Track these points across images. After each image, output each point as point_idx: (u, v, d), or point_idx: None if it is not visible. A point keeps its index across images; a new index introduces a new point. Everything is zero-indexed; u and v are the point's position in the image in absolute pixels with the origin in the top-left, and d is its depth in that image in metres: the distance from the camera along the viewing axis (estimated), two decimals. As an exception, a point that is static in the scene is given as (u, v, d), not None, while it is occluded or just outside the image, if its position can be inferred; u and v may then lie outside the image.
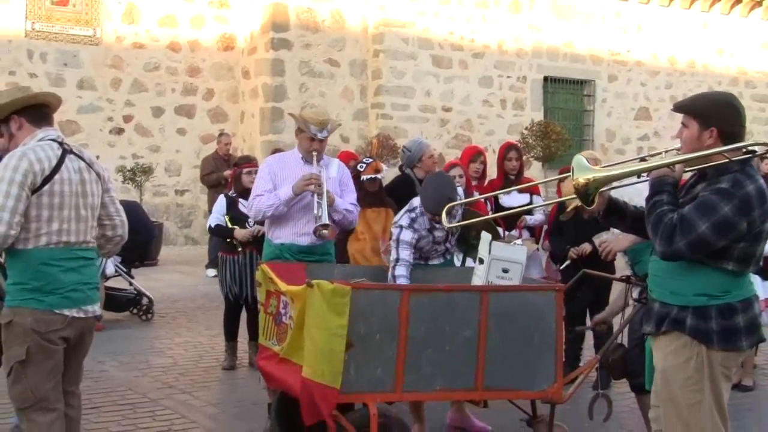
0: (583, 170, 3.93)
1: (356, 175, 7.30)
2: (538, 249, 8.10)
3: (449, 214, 5.52)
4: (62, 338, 4.34)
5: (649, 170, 4.01)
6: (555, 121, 19.31)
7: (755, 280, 7.20)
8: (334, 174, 6.41)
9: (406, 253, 5.78)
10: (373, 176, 7.31)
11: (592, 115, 21.54)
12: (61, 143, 4.44)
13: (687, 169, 4.00)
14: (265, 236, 6.62)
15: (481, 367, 4.93)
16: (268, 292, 5.36)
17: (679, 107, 4.06)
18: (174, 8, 18.16)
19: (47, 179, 4.26)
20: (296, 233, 6.30)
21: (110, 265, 9.63)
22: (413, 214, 5.91)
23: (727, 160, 3.85)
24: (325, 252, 6.36)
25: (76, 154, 4.46)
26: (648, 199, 3.94)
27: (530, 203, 7.99)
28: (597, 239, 6.22)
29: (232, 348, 8.02)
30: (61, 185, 4.31)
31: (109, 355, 8.32)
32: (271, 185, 6.31)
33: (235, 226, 7.87)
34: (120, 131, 17.80)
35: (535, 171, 18.40)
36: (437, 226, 5.91)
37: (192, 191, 18.31)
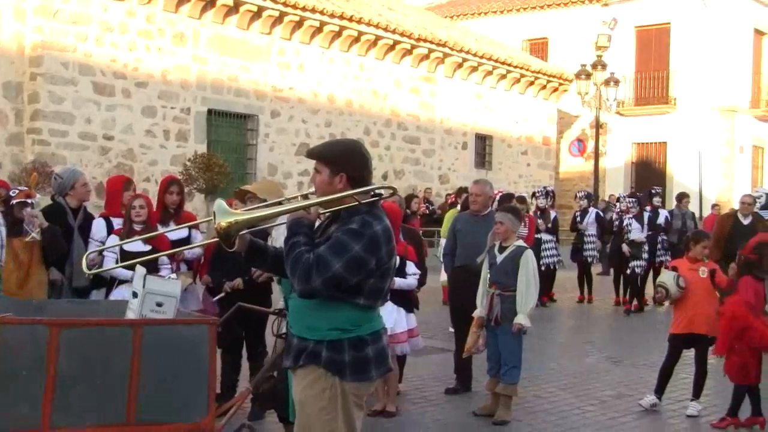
0: (224, 214, 4.07)
1: (7, 202, 7.04)
2: (194, 282, 8.16)
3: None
4: None
5: (286, 212, 4.23)
6: (218, 154, 19.51)
7: (400, 313, 7.80)
8: None
9: None
10: (23, 200, 7.02)
11: (255, 149, 21.95)
12: None
13: (322, 211, 4.25)
14: None
15: (133, 400, 4.91)
16: None
17: (311, 154, 4.29)
18: None
19: None
20: None
21: None
22: None
23: (357, 203, 4.14)
24: None
25: None
26: (286, 241, 4.13)
27: (189, 237, 8.03)
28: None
29: None
30: None
31: None
32: None
33: None
34: None
35: (198, 202, 18.46)
36: None
37: None
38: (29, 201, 7.04)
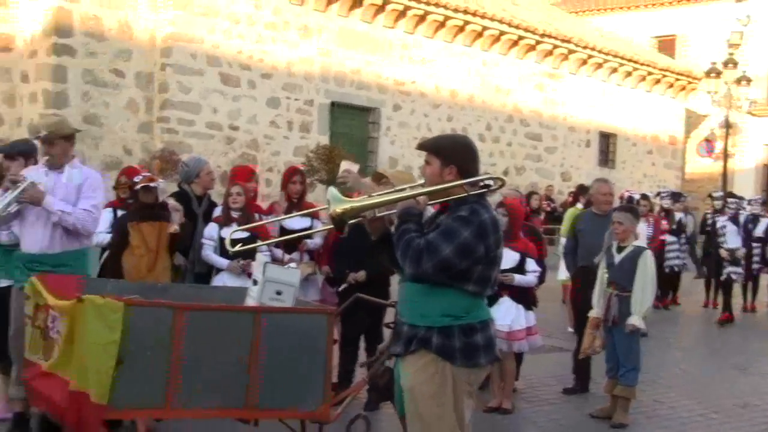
0: (339, 201, 4.28)
1: (132, 187, 7.26)
2: (315, 273, 8.22)
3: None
4: None
5: (396, 200, 4.35)
6: (340, 146, 19.67)
7: (519, 310, 7.72)
8: (66, 181, 6.24)
9: None
10: (146, 185, 7.19)
11: (376, 142, 22.09)
12: None
13: (430, 202, 4.39)
14: None
15: (252, 387, 4.98)
16: (37, 306, 5.21)
17: (423, 146, 4.45)
18: (-53, 3, 17.30)
19: None
20: (26, 242, 6.17)
21: None
22: None
23: (465, 194, 4.26)
24: (60, 264, 6.09)
25: None
26: (396, 228, 4.27)
27: (311, 227, 8.10)
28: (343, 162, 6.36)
29: None
30: None
31: None
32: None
33: None
34: None
35: (319, 193, 18.65)
36: None
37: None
38: (152, 186, 7.21)
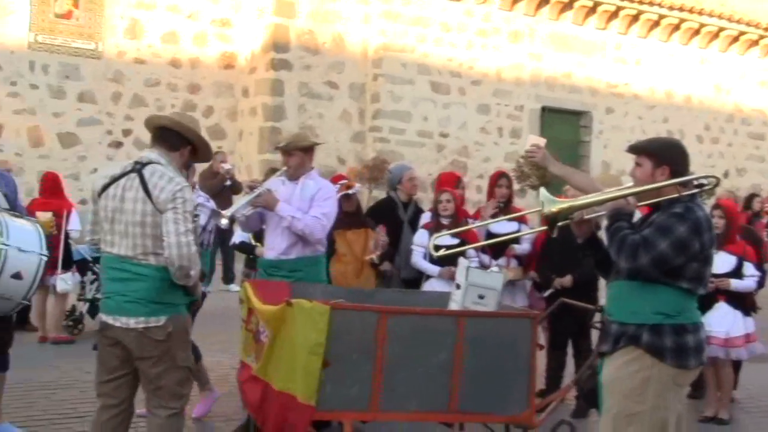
0: (551, 202, 4.41)
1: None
2: (520, 278, 8.15)
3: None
4: (108, 339, 4.77)
5: (607, 200, 4.40)
6: (551, 151, 19.39)
7: (737, 316, 7.39)
8: (301, 191, 6.46)
9: None
10: (346, 192, 7.37)
11: (588, 146, 21.70)
12: (137, 163, 4.75)
13: (640, 203, 4.40)
14: None
15: (456, 390, 5.01)
16: (250, 309, 5.45)
17: (634, 148, 4.50)
18: (177, 25, 18.36)
19: (99, 194, 4.77)
20: (266, 248, 6.46)
21: (61, 282, 9.58)
22: None
23: (677, 194, 4.25)
24: (294, 269, 6.34)
25: (140, 175, 4.68)
26: (608, 227, 4.30)
27: (519, 231, 8.05)
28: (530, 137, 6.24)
29: None
30: (106, 200, 4.73)
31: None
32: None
33: (258, 243, 7.85)
34: (119, 145, 17.96)
35: (531, 199, 18.52)
36: None
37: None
38: (350, 192, 7.40)
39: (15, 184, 6.45)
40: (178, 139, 4.85)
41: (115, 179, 4.71)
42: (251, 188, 6.39)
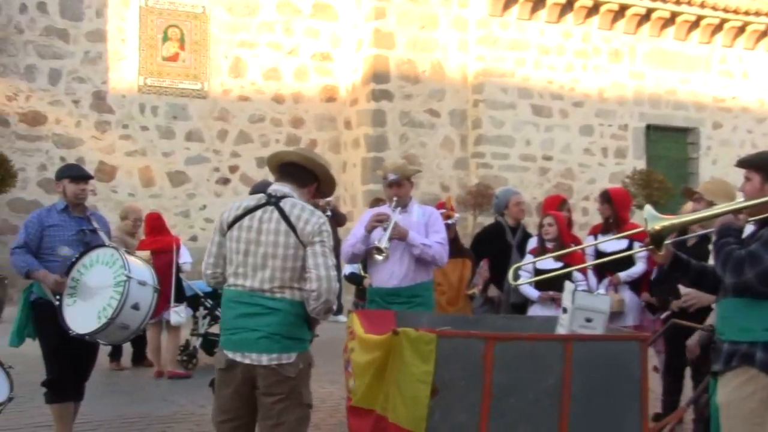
0: (655, 219, 4.36)
1: None
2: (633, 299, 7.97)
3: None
4: (230, 376, 4.59)
5: (715, 216, 4.34)
6: (657, 170, 19.11)
7: None
8: (416, 218, 6.58)
9: None
10: (446, 222, 7.40)
11: (696, 163, 21.23)
12: (271, 196, 4.68)
13: (750, 219, 4.31)
14: None
15: (566, 416, 4.94)
16: (350, 338, 5.52)
17: (742, 162, 4.46)
18: (278, 61, 18.71)
19: (230, 226, 4.64)
20: (383, 277, 6.51)
21: (174, 315, 9.79)
22: None
23: None
24: (413, 295, 6.45)
25: (278, 207, 4.61)
26: (715, 243, 4.22)
27: (629, 248, 7.87)
28: (683, 290, 6.22)
29: None
30: (240, 231, 4.61)
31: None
32: (363, 231, 6.59)
33: (366, 275, 7.93)
34: (226, 181, 18.33)
35: (637, 219, 18.18)
36: None
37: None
38: (449, 222, 7.45)
39: (108, 224, 6.76)
40: (306, 175, 4.80)
41: (249, 210, 4.62)
42: (380, 221, 6.47)
